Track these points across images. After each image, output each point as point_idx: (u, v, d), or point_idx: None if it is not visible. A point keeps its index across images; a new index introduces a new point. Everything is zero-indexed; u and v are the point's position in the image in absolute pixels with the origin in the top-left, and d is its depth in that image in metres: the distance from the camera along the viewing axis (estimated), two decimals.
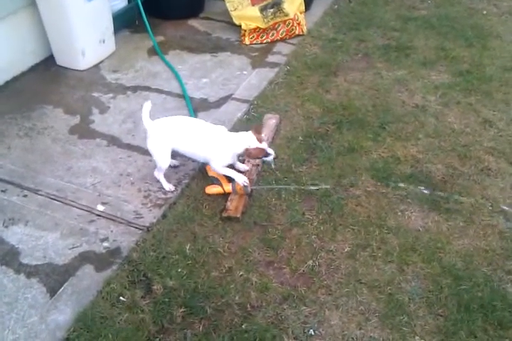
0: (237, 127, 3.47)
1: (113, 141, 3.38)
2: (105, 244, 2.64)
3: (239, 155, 2.90)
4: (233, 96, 3.82)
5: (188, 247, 2.63)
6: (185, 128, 2.85)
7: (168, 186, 2.97)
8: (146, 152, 3.02)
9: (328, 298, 2.40)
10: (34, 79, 3.95)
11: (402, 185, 3.04)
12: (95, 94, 3.83)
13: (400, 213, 2.85)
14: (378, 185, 3.03)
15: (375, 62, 4.35)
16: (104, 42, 4.15)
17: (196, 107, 3.69)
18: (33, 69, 4.06)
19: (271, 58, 4.34)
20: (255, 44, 4.56)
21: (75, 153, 3.27)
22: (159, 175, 2.98)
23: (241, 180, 2.86)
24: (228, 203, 2.87)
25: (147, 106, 2.79)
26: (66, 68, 4.08)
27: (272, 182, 3.03)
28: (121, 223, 2.77)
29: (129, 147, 3.32)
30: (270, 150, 2.78)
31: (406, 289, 2.45)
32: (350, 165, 3.20)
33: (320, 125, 3.56)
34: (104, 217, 2.80)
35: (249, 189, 2.83)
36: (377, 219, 2.80)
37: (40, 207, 2.85)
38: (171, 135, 2.82)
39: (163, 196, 2.96)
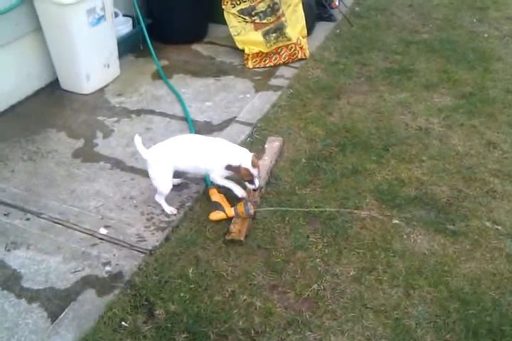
0: None
1: (117, 164, 3.38)
2: (107, 268, 2.61)
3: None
4: (236, 119, 3.83)
5: (190, 271, 2.60)
6: (182, 145, 2.88)
7: (169, 209, 2.96)
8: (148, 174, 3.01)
9: (334, 323, 2.35)
10: (39, 103, 3.97)
11: (407, 207, 3.01)
12: (99, 118, 3.84)
13: (405, 236, 2.81)
14: (383, 208, 3.01)
15: (377, 85, 4.38)
16: (108, 66, 4.21)
17: (200, 130, 3.68)
18: (38, 93, 4.08)
19: (274, 81, 4.37)
20: (258, 68, 4.60)
21: (79, 176, 3.27)
22: (160, 200, 2.97)
23: (239, 192, 2.87)
24: (231, 226, 2.85)
25: (138, 139, 2.83)
26: (71, 92, 4.11)
27: (275, 205, 3.01)
28: (123, 246, 2.74)
29: (133, 170, 3.32)
30: (257, 181, 2.79)
31: (413, 314, 2.40)
32: (354, 187, 3.19)
33: (323, 147, 3.56)
34: (106, 240, 2.78)
35: (251, 211, 2.81)
36: (383, 242, 2.77)
37: (42, 230, 2.84)
38: (170, 157, 2.84)
39: (166, 219, 2.94)
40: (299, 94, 4.19)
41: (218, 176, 2.89)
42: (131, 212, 2.98)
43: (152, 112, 3.93)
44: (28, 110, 3.90)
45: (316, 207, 3.01)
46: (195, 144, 2.90)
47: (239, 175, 2.78)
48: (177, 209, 2.99)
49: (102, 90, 4.20)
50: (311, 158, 3.45)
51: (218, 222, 2.89)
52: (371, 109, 4.04)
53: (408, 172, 3.31)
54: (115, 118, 3.84)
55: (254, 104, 4.04)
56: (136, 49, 4.74)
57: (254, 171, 2.74)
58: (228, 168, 2.75)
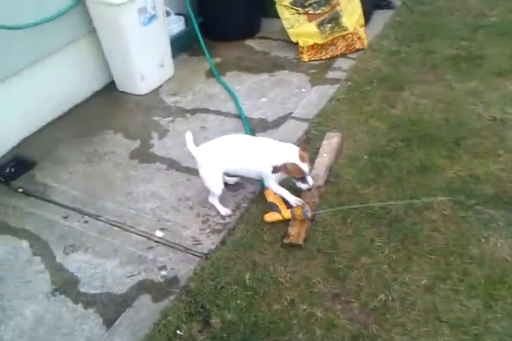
0: None
1: (172, 164, 3.32)
2: (163, 273, 2.54)
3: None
4: (292, 115, 3.67)
5: (247, 276, 2.47)
6: (231, 146, 2.75)
7: (224, 211, 2.85)
8: None
9: (404, 338, 2.14)
10: (96, 105, 4.00)
11: (484, 207, 2.72)
12: (155, 118, 3.81)
13: (483, 240, 2.54)
14: (457, 208, 2.74)
15: (443, 74, 4.05)
16: (162, 66, 4.17)
17: (254, 128, 3.57)
18: (95, 95, 4.12)
19: (331, 74, 4.17)
20: (314, 61, 4.41)
21: (135, 177, 3.23)
22: (214, 201, 2.87)
23: (293, 200, 2.71)
24: (290, 229, 2.69)
25: (189, 136, 2.73)
26: (126, 93, 4.12)
27: (336, 206, 2.82)
28: (179, 250, 2.66)
29: (188, 170, 3.24)
30: (309, 179, 2.61)
31: (495, 329, 2.14)
32: (423, 185, 2.93)
33: (387, 142, 3.32)
34: (162, 243, 2.72)
35: (309, 214, 2.65)
36: (458, 247, 2.51)
37: (100, 233, 2.82)
38: (219, 157, 2.72)
39: (221, 221, 2.83)
40: (358, 87, 3.94)
41: (272, 182, 2.74)
42: (186, 214, 2.91)
43: (206, 111, 3.85)
44: (86, 112, 3.93)
45: (380, 208, 2.79)
46: (240, 145, 2.75)
47: (288, 173, 2.61)
48: (232, 210, 2.88)
49: (156, 90, 4.16)
50: (373, 154, 3.22)
51: (273, 223, 2.75)
52: (438, 100, 3.73)
53: (483, 168, 3.00)
54: (170, 118, 3.80)
55: (310, 98, 3.86)
56: (189, 48, 4.68)
57: (303, 166, 2.56)
58: (275, 170, 2.57)
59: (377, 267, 2.46)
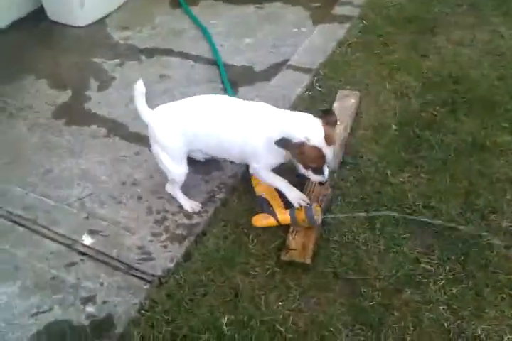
0: (297, 110, 2.33)
1: (115, 129, 2.39)
2: (89, 309, 1.61)
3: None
4: (289, 63, 2.78)
5: (225, 319, 1.55)
6: (204, 111, 1.80)
7: (189, 205, 1.93)
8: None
9: None
10: (14, 40, 3.01)
11: None
12: (96, 60, 2.89)
13: None
14: None
15: (487, 16, 3.12)
16: None
17: (236, 79, 2.68)
18: (15, 25, 3.13)
19: (339, 10, 3.22)
20: None
21: (59, 147, 2.29)
22: (174, 190, 1.93)
23: (296, 198, 1.80)
24: (290, 238, 1.78)
25: (140, 88, 1.78)
26: (60, 24, 3.16)
27: (357, 202, 1.90)
28: (117, 269, 1.72)
29: (139, 139, 2.29)
30: (326, 169, 1.69)
31: None
32: (483, 173, 2.05)
33: (422, 106, 2.41)
34: (91, 256, 1.76)
35: (318, 219, 1.73)
36: None
37: None
38: (184, 128, 1.79)
39: (185, 221, 1.88)
40: (376, 28, 3.01)
41: (263, 168, 1.80)
42: (132, 208, 1.97)
43: (169, 52, 2.94)
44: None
45: (423, 207, 1.89)
46: (219, 110, 1.80)
47: (300, 159, 1.66)
48: (201, 204, 1.93)
49: (102, 21, 3.22)
50: (404, 124, 2.31)
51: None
52: (485, 50, 2.81)
53: None
54: (117, 61, 2.88)
55: (313, 41, 2.95)
56: None
57: (328, 151, 1.62)
58: (284, 144, 1.62)
59: (430, 308, 1.57)
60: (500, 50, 2.80)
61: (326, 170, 1.69)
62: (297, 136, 1.61)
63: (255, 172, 1.83)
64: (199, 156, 2.06)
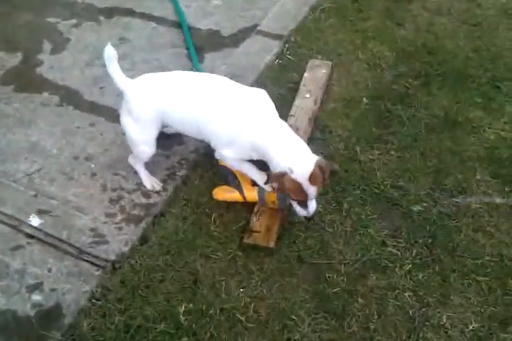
0: (264, 81, 2.21)
1: (69, 97, 2.22)
2: (36, 297, 1.50)
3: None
4: (259, 28, 2.61)
5: (182, 308, 1.48)
6: (194, 92, 1.65)
7: (150, 182, 1.80)
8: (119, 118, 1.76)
9: None
10: None
11: None
12: (50, 20, 2.65)
13: None
14: (507, 191, 1.81)
15: None
16: None
17: (202, 44, 2.51)
18: None
19: None
20: None
21: (6, 116, 2.13)
22: (137, 165, 1.79)
23: (265, 184, 1.65)
24: (254, 219, 1.69)
25: (110, 51, 1.62)
26: None
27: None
28: (67, 253, 1.60)
29: (94, 108, 2.15)
30: (313, 203, 1.56)
31: None
32: (453, 151, 1.98)
33: (395, 78, 2.31)
34: (39, 239, 1.63)
35: (287, 202, 1.63)
36: None
37: None
38: (164, 101, 1.65)
39: (143, 200, 1.76)
40: None
41: (234, 156, 1.66)
42: (85, 186, 1.82)
43: (130, 13, 2.71)
44: None
45: (392, 186, 1.82)
46: (216, 92, 1.64)
47: (281, 188, 1.53)
48: (162, 182, 1.80)
49: None
50: (376, 97, 2.21)
51: (229, 204, 1.76)
52: (462, 19, 2.71)
53: None
54: (74, 21, 2.65)
55: (284, 5, 2.79)
56: None
57: (311, 190, 1.50)
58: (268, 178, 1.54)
59: (395, 295, 1.53)
60: (477, 19, 2.69)
61: (312, 206, 1.55)
62: (281, 162, 1.48)
63: (222, 158, 1.69)
64: (169, 130, 1.91)
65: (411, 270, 1.58)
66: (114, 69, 1.63)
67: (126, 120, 1.69)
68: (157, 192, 1.78)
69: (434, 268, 1.59)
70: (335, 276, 1.57)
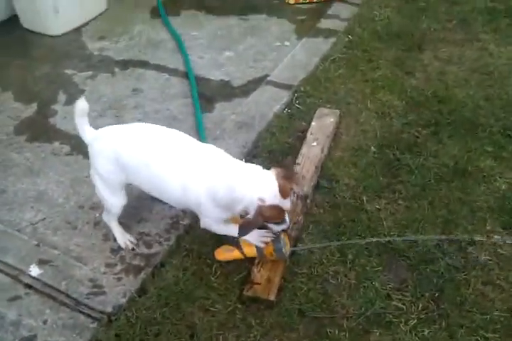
0: (273, 129, 2.22)
1: (79, 146, 2.16)
2: None
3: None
4: (269, 78, 2.66)
5: None
6: (144, 144, 1.58)
7: (123, 240, 1.76)
8: None
9: None
10: None
11: None
12: (67, 71, 2.74)
13: None
14: None
15: (477, 33, 3.03)
16: None
17: (213, 94, 2.58)
18: None
19: (324, 23, 3.11)
20: (302, 3, 3.36)
21: (17, 165, 2.14)
22: (111, 222, 1.77)
23: (257, 240, 1.61)
24: (254, 270, 1.65)
25: (82, 105, 1.61)
26: (33, 32, 3.06)
27: (330, 230, 1.78)
28: (64, 304, 1.57)
29: None
30: (287, 218, 1.55)
31: None
32: (463, 201, 1.93)
33: (404, 127, 2.29)
34: (37, 290, 1.61)
35: (286, 252, 1.60)
36: None
37: None
38: (118, 157, 1.58)
39: (144, 250, 1.75)
40: (362, 43, 2.91)
41: (213, 220, 1.61)
42: (88, 235, 1.82)
43: (144, 65, 2.80)
44: None
45: (398, 236, 1.76)
46: (165, 145, 1.59)
47: (261, 221, 1.49)
48: (165, 231, 1.78)
49: (78, 31, 3.08)
50: (385, 146, 2.19)
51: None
52: (473, 68, 2.70)
53: None
54: (90, 73, 2.74)
55: (295, 56, 2.84)
56: None
57: (286, 204, 1.48)
58: (243, 228, 1.47)
59: None
60: (488, 68, 2.69)
61: (287, 217, 1.54)
62: (246, 192, 1.44)
63: (206, 226, 1.63)
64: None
65: (416, 325, 1.50)
66: (80, 121, 1.63)
67: (91, 172, 1.67)
68: (132, 250, 1.72)
69: (441, 323, 1.50)
70: (337, 332, 1.50)
